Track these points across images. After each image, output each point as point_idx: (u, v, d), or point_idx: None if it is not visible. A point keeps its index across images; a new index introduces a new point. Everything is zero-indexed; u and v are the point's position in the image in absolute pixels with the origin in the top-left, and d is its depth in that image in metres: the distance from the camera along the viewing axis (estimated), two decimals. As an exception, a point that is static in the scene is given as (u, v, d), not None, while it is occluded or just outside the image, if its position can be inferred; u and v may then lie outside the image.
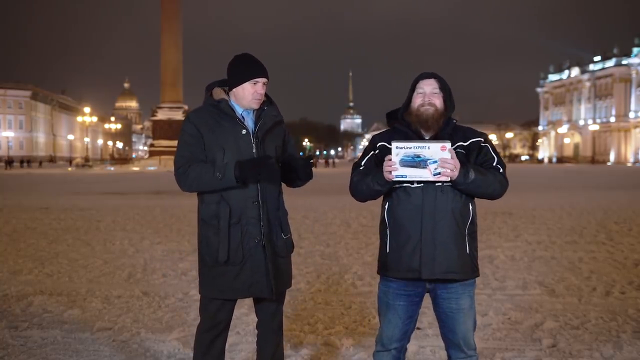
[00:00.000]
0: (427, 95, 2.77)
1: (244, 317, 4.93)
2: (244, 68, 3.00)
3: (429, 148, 2.61)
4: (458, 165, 2.63)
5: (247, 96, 2.99)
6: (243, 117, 3.02)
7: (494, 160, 2.82)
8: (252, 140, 2.98)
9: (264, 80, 3.00)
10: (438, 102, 2.77)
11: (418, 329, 4.58)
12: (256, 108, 3.02)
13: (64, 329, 4.71)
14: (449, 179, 2.64)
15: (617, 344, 4.34)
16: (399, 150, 2.63)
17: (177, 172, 2.99)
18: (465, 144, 2.79)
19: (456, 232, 2.73)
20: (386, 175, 2.68)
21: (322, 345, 4.36)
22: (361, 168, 2.89)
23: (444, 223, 2.71)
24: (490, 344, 4.38)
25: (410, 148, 2.62)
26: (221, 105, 3.00)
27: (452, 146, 2.73)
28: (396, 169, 2.63)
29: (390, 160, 2.65)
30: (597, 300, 5.63)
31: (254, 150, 2.97)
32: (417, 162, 2.61)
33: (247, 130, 2.98)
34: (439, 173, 2.61)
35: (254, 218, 2.95)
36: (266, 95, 3.09)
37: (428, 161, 2.61)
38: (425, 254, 2.71)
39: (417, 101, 2.79)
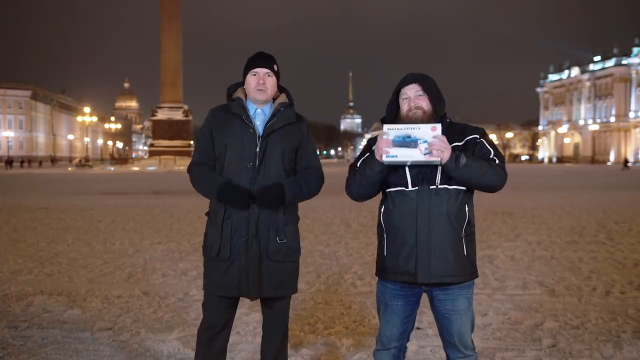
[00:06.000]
0: (412, 99, 2.77)
1: (244, 317, 4.93)
2: (247, 63, 3.04)
3: (419, 129, 2.64)
4: (448, 146, 2.62)
5: (251, 89, 3.00)
6: (254, 117, 3.02)
7: (491, 153, 2.76)
8: (258, 139, 2.98)
9: (264, 70, 2.99)
10: (424, 103, 2.76)
11: (418, 328, 4.58)
12: (262, 99, 3.00)
13: (64, 329, 4.70)
14: (439, 160, 2.62)
15: (617, 344, 4.34)
16: (390, 131, 2.67)
17: (189, 166, 3.13)
18: (460, 143, 2.76)
19: (452, 235, 2.71)
20: (377, 153, 2.67)
21: (322, 345, 4.37)
22: (357, 169, 2.88)
23: (438, 226, 2.69)
24: (490, 344, 4.37)
25: (401, 129, 2.65)
26: (232, 104, 3.04)
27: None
28: (390, 146, 2.64)
29: (383, 138, 2.65)
30: (597, 300, 5.63)
31: (257, 150, 2.96)
32: (407, 142, 2.63)
33: (254, 129, 2.98)
34: (430, 153, 2.61)
35: (244, 217, 2.96)
36: (288, 97, 3.09)
37: (418, 141, 2.62)
38: (421, 258, 2.70)
39: (404, 107, 2.79)
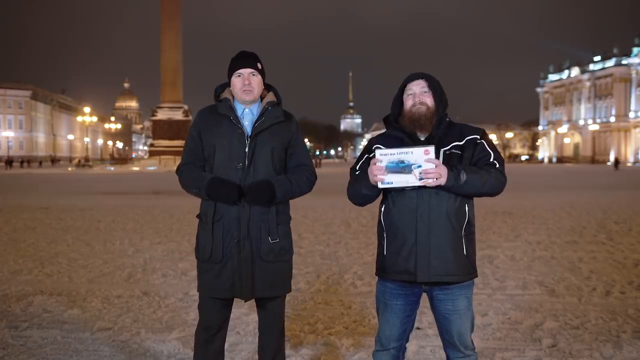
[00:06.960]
0: (417, 95, 2.77)
1: (244, 317, 4.93)
2: (230, 64, 3.03)
3: (412, 153, 2.60)
4: (443, 171, 2.60)
5: (237, 91, 3.00)
6: (242, 117, 3.01)
7: (491, 156, 2.77)
8: (246, 140, 2.97)
9: (248, 70, 2.97)
10: (429, 100, 2.77)
11: (418, 328, 4.58)
12: (249, 99, 2.98)
13: (64, 329, 4.71)
14: (438, 185, 2.62)
15: (617, 344, 4.34)
16: (383, 157, 2.63)
17: (177, 167, 3.11)
18: (461, 143, 2.76)
19: (452, 235, 2.71)
20: (372, 178, 2.68)
21: (322, 345, 4.36)
22: (357, 172, 2.88)
23: (438, 226, 2.69)
24: (490, 344, 4.38)
25: (394, 154, 2.62)
26: (219, 105, 3.03)
27: (447, 146, 2.73)
28: (384, 173, 2.63)
29: (376, 164, 2.65)
30: (597, 300, 5.63)
31: (246, 150, 2.95)
32: (401, 167, 2.60)
33: (242, 129, 2.97)
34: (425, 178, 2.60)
35: (235, 218, 2.95)
36: (276, 95, 3.08)
37: (412, 166, 2.59)
38: (421, 257, 2.70)
39: (408, 103, 2.79)
